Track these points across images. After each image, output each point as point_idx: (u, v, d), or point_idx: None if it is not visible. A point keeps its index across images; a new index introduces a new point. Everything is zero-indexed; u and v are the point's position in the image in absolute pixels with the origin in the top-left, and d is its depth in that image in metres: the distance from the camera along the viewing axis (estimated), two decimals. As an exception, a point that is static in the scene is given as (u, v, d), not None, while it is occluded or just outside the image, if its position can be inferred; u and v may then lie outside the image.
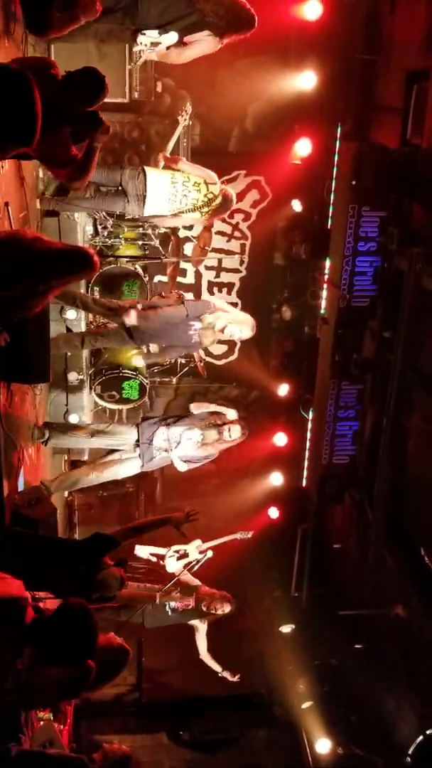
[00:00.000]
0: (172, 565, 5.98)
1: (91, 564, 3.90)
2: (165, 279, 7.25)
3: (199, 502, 5.35)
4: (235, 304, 8.68)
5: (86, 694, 3.89)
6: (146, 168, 5.64)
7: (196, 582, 5.96)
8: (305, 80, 7.10)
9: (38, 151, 3.60)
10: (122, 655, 3.88)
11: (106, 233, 6.99)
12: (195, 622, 6.08)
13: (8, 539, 4.10)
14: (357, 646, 7.29)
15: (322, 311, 7.27)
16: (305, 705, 7.90)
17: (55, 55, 5.93)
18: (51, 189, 5.78)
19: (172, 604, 5.85)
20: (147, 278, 7.09)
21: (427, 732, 5.23)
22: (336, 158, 6.74)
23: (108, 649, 3.86)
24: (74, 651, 3.02)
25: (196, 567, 6.02)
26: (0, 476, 4.59)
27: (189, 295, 6.72)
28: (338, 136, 6.82)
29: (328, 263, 7.02)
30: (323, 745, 7.37)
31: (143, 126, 7.79)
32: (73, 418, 6.52)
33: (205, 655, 6.22)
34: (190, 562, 6.08)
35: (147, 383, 7.46)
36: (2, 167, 4.28)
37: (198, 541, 5.98)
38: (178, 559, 5.99)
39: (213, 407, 5.98)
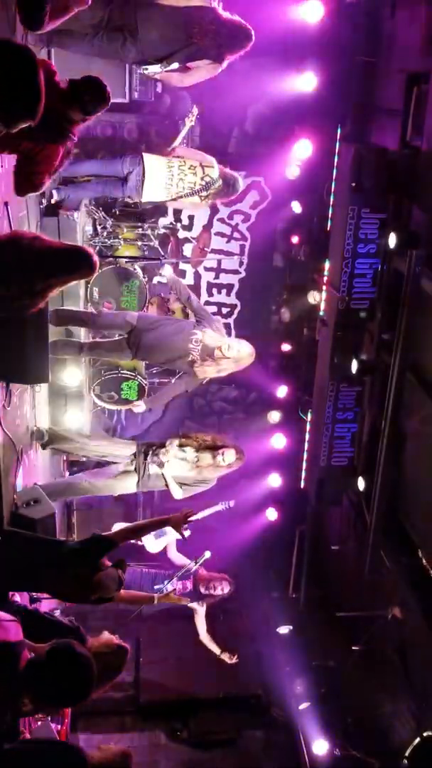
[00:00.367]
0: (152, 545, 5.96)
1: (88, 566, 3.89)
2: (164, 280, 7.25)
3: (198, 503, 5.33)
4: (234, 306, 8.72)
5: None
6: (144, 154, 5.75)
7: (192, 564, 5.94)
8: (305, 82, 7.10)
9: (32, 146, 3.59)
10: (121, 656, 3.89)
11: (105, 234, 6.99)
12: (194, 605, 6.05)
13: (6, 540, 4.09)
14: (354, 647, 7.29)
15: (321, 313, 7.28)
16: (302, 706, 7.90)
17: (55, 56, 5.93)
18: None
19: (170, 587, 5.82)
20: (146, 279, 7.09)
21: (425, 734, 5.23)
22: (336, 160, 6.74)
23: (106, 651, 3.86)
24: (71, 695, 2.98)
25: (195, 567, 6.01)
26: (-2, 477, 4.59)
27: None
28: (338, 137, 6.82)
29: (327, 265, 7.02)
30: (320, 747, 7.37)
31: (143, 126, 7.79)
32: (72, 425, 6.51)
33: (204, 636, 6.23)
34: (188, 566, 6.07)
35: (146, 384, 7.46)
36: (2, 167, 4.28)
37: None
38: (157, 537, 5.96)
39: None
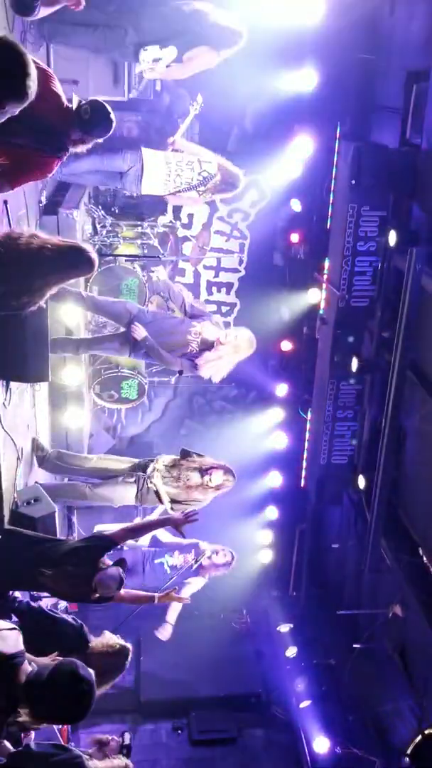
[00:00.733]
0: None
1: (88, 565, 3.89)
2: (155, 277, 7.26)
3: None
4: (233, 304, 8.70)
5: None
6: (143, 149, 5.78)
7: (193, 540, 5.88)
8: (305, 80, 7.08)
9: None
10: (123, 656, 3.89)
11: (104, 232, 6.98)
12: (194, 579, 5.98)
13: (7, 538, 4.09)
14: (355, 645, 7.29)
15: (321, 311, 7.27)
16: (303, 704, 7.91)
17: (54, 56, 5.92)
18: None
19: (171, 562, 5.79)
20: (146, 278, 7.08)
21: (426, 731, 5.22)
22: (335, 158, 6.75)
23: (106, 651, 3.87)
24: (68, 717, 2.98)
25: (195, 566, 5.99)
26: (-2, 476, 4.59)
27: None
28: (338, 135, 6.82)
29: (327, 263, 7.01)
30: (321, 745, 7.38)
31: (142, 125, 7.79)
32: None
33: (178, 603, 5.92)
34: (188, 564, 6.04)
35: (146, 383, 7.45)
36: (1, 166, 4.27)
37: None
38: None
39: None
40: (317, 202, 7.65)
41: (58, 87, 3.70)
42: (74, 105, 3.72)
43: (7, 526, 4.65)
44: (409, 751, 5.18)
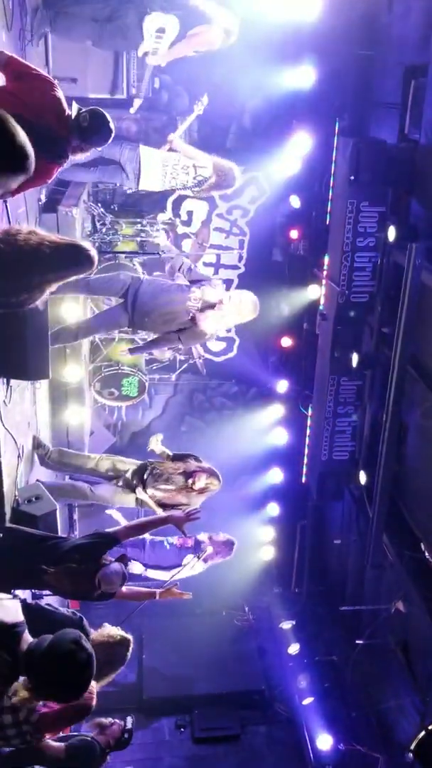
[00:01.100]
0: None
1: (91, 562, 3.89)
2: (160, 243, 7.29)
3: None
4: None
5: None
6: (141, 147, 5.81)
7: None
8: (303, 76, 7.08)
9: None
10: (124, 647, 3.91)
11: (104, 230, 6.98)
12: (193, 561, 5.93)
13: (8, 536, 4.09)
14: (358, 642, 7.29)
15: (321, 307, 7.27)
16: (306, 701, 7.91)
17: (52, 53, 5.92)
18: None
19: (171, 539, 5.77)
20: (144, 275, 7.06)
21: (429, 727, 5.22)
22: (334, 154, 6.73)
23: (107, 642, 3.88)
24: (66, 691, 2.90)
25: (196, 563, 5.99)
26: (0, 474, 4.59)
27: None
28: (336, 131, 6.81)
29: (326, 259, 7.01)
30: (324, 741, 7.39)
31: (141, 122, 7.78)
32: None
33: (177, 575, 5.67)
34: (191, 561, 6.04)
35: (146, 380, 7.45)
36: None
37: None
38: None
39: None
40: (316, 199, 7.64)
41: (59, 93, 3.71)
42: (73, 112, 3.73)
43: (8, 524, 4.66)
44: (412, 747, 5.19)
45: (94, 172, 5.88)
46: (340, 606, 7.82)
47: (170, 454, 5.69)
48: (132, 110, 6.28)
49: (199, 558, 5.35)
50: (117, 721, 3.93)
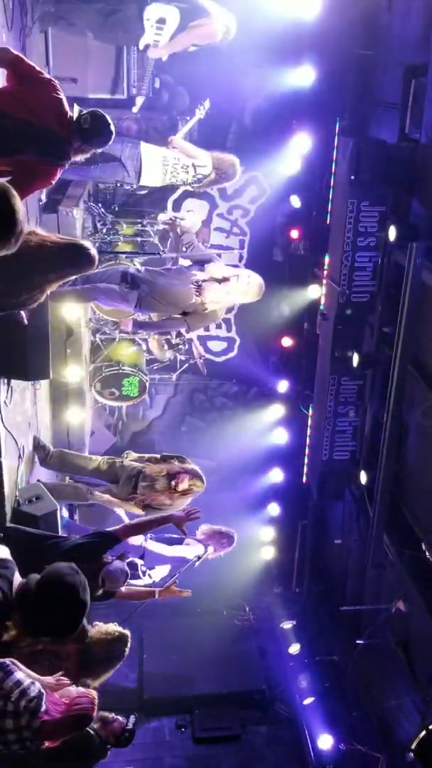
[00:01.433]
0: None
1: (92, 561, 3.90)
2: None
3: (198, 500, 5.31)
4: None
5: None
6: (142, 144, 5.82)
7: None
8: (303, 76, 7.08)
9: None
10: (121, 642, 3.91)
11: (105, 230, 6.98)
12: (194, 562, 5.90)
13: (9, 536, 4.09)
14: (358, 641, 7.29)
15: (322, 307, 7.27)
16: (306, 701, 7.91)
17: (52, 52, 5.92)
18: None
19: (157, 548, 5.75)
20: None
21: (430, 727, 5.22)
22: (334, 153, 6.73)
23: (105, 639, 3.89)
24: (60, 617, 2.87)
25: (198, 563, 5.99)
26: (0, 474, 4.59)
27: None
28: (337, 131, 6.81)
29: (327, 259, 7.00)
30: (325, 741, 7.39)
31: (141, 122, 7.78)
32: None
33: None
34: (190, 563, 6.03)
35: (147, 380, 7.45)
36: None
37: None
38: None
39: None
40: (317, 198, 7.64)
41: (61, 95, 3.71)
42: (75, 114, 3.73)
43: (9, 524, 4.66)
44: (413, 747, 5.19)
45: (94, 170, 5.88)
46: (341, 606, 7.82)
47: (157, 456, 5.65)
48: (135, 109, 6.28)
49: (200, 559, 5.34)
50: (119, 718, 3.92)
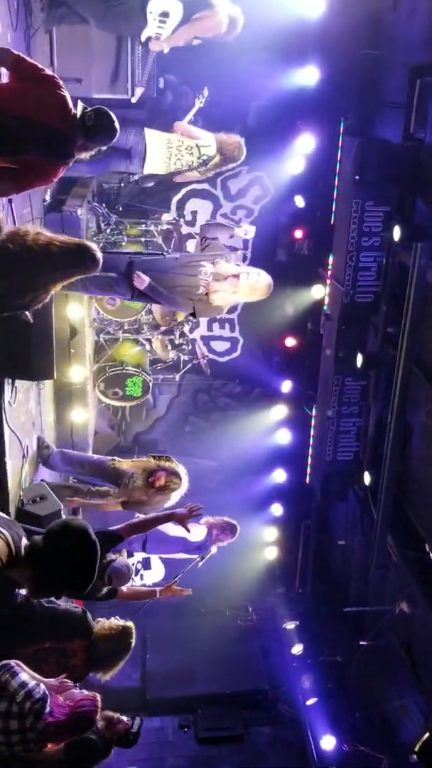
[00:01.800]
0: None
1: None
2: None
3: (202, 499, 5.30)
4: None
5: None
6: (146, 130, 5.79)
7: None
8: (308, 75, 7.07)
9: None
10: (126, 635, 3.94)
11: (109, 230, 6.98)
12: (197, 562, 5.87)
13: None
14: (362, 642, 7.28)
15: (325, 307, 7.26)
16: (310, 702, 7.90)
17: (57, 52, 5.91)
18: None
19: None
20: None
21: (433, 728, 5.22)
22: (339, 153, 6.72)
23: (110, 634, 3.91)
24: (72, 565, 2.67)
25: (201, 564, 5.99)
26: (4, 474, 4.60)
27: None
28: (341, 131, 6.79)
29: (331, 259, 7.00)
30: (328, 742, 7.38)
31: (145, 123, 7.76)
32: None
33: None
34: (194, 563, 6.03)
35: (150, 380, 7.45)
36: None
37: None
38: None
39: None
40: (321, 198, 7.63)
41: (64, 93, 3.70)
42: (79, 112, 3.72)
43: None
44: (416, 749, 5.18)
45: (98, 163, 5.87)
46: (344, 606, 7.81)
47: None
48: (134, 99, 6.23)
49: (203, 559, 5.34)
50: (125, 719, 3.92)
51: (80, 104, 3.76)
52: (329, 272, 7.05)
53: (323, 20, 6.68)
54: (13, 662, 3.02)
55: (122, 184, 7.49)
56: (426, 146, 5.84)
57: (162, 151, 5.74)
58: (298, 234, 8.21)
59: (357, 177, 6.12)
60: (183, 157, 5.76)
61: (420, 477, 6.44)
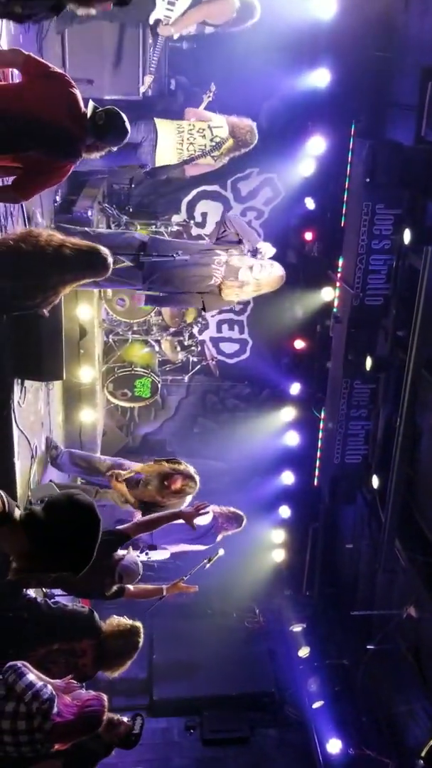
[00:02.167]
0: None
1: (104, 558, 3.93)
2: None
3: (210, 500, 5.31)
4: (246, 303, 8.69)
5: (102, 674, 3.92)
6: (155, 119, 5.77)
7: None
8: (319, 77, 7.06)
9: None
10: (134, 634, 3.95)
11: (119, 231, 6.99)
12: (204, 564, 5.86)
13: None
14: (369, 646, 7.25)
15: (335, 310, 7.24)
16: (316, 705, 7.88)
17: (69, 55, 5.93)
18: None
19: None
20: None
21: (440, 733, 5.20)
22: (350, 156, 6.70)
23: (118, 632, 3.93)
24: (79, 545, 2.51)
25: (209, 565, 5.99)
26: (13, 474, 4.61)
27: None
28: (352, 133, 6.78)
29: (341, 261, 6.98)
30: (334, 746, 7.35)
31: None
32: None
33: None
34: (201, 565, 6.03)
35: (159, 381, 7.46)
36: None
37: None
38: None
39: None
40: (331, 200, 7.61)
41: (75, 91, 3.70)
42: (89, 111, 3.72)
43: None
44: (423, 754, 5.17)
45: (109, 157, 5.88)
46: (352, 610, 7.78)
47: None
48: (142, 88, 6.20)
49: (210, 560, 5.33)
50: (125, 720, 3.93)
51: (91, 103, 3.76)
52: (339, 275, 7.04)
53: (335, 22, 6.67)
54: (19, 663, 3.03)
55: (132, 185, 7.50)
56: (437, 149, 5.83)
57: (173, 137, 5.69)
58: (308, 236, 8.20)
59: (368, 179, 6.10)
60: (195, 141, 5.69)
61: (429, 481, 6.41)
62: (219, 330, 8.74)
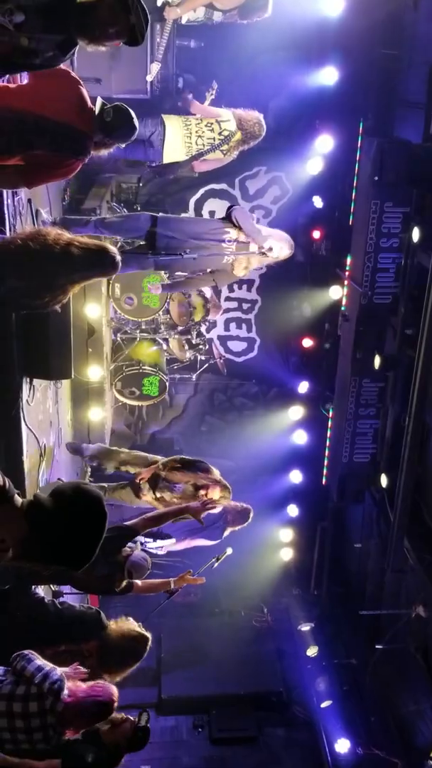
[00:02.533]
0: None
1: (113, 554, 3.94)
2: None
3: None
4: (254, 301, 8.69)
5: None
6: (163, 115, 5.78)
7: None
8: (327, 75, 7.04)
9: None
10: (141, 644, 3.93)
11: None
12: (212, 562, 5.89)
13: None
14: (377, 646, 7.23)
15: (343, 308, 7.23)
16: (324, 704, 7.87)
17: (77, 54, 5.92)
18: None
19: None
20: (167, 275, 7.07)
21: (449, 733, 5.18)
22: (358, 154, 6.69)
23: (125, 636, 3.92)
24: (77, 530, 2.37)
25: (217, 564, 5.99)
26: (21, 472, 4.63)
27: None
28: (360, 131, 6.76)
29: (349, 260, 6.96)
30: (342, 745, 7.34)
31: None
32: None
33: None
34: (210, 563, 6.03)
35: (167, 380, 7.46)
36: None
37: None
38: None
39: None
40: (339, 199, 7.59)
41: (82, 89, 3.71)
42: (97, 108, 3.72)
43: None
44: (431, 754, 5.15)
45: (115, 152, 5.88)
46: (360, 609, 7.77)
47: (169, 462, 5.60)
48: (149, 77, 6.18)
49: (218, 559, 5.34)
50: (129, 717, 3.81)
51: (99, 100, 3.77)
52: (347, 273, 7.02)
53: (342, 19, 6.65)
54: (27, 651, 3.06)
55: (140, 184, 7.51)
56: (446, 146, 5.81)
57: (181, 132, 5.69)
58: (317, 234, 8.18)
59: (376, 177, 6.09)
60: (204, 134, 5.68)
61: (438, 480, 6.39)
62: (227, 328, 8.74)
